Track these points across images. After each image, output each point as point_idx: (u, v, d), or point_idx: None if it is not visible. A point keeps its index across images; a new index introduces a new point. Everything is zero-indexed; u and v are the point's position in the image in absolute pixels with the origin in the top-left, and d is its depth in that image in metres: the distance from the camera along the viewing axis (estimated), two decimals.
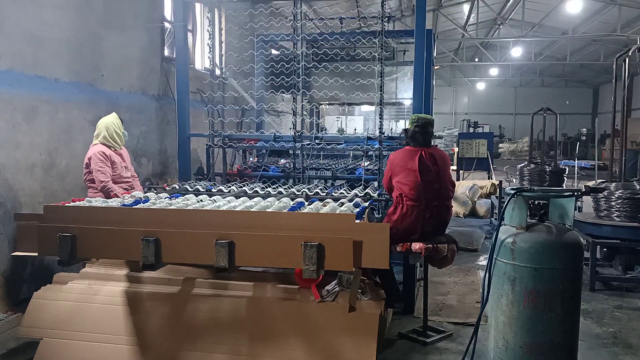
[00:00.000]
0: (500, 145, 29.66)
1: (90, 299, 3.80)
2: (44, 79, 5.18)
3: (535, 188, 3.19)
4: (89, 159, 4.97)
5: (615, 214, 5.77)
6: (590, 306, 5.15)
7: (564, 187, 8.23)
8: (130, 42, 6.70)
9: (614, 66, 5.99)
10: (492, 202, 9.94)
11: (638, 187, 5.69)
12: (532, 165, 8.70)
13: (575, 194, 2.92)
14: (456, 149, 14.20)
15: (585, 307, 5.08)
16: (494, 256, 2.91)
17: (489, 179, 12.49)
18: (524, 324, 2.81)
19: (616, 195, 5.76)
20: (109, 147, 5.07)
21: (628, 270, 5.80)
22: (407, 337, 4.26)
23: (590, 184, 9.71)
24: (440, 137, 22.88)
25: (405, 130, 4.43)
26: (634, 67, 6.02)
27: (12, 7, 4.77)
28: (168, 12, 7.64)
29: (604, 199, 5.89)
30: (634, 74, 10.12)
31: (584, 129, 27.48)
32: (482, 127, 28.96)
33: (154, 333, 3.64)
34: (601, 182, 6.41)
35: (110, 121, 5.11)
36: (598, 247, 5.96)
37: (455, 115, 36.13)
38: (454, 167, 13.77)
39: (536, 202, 2.98)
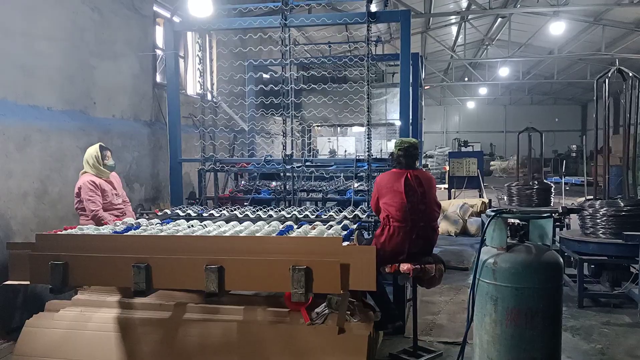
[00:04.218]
0: (492, 162, 29.92)
1: (83, 326, 3.83)
2: (36, 108, 5.26)
3: (514, 210, 3.28)
4: (79, 188, 5.03)
5: (601, 231, 5.86)
6: (579, 323, 5.21)
7: (551, 205, 8.33)
8: (122, 70, 6.81)
9: (595, 87, 6.15)
10: (482, 220, 9.99)
11: (622, 205, 5.79)
12: (519, 184, 8.83)
13: (553, 215, 3.01)
14: (447, 168, 14.39)
15: (574, 324, 5.15)
16: (477, 277, 2.98)
17: (480, 197, 12.62)
18: (506, 342, 2.87)
19: (601, 213, 5.85)
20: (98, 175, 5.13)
21: (615, 287, 5.86)
22: (397, 358, 4.29)
23: (579, 200, 9.82)
24: (431, 157, 23.10)
25: (392, 153, 4.56)
26: (616, 85, 6.14)
27: (4, 39, 4.87)
28: (160, 40, 7.77)
29: (589, 217, 5.98)
30: (618, 91, 10.33)
31: (573, 146, 27.77)
32: (473, 145, 29.23)
33: (146, 359, 3.67)
34: (586, 199, 6.50)
35: (90, 154, 5.13)
36: (585, 264, 6.05)
37: (446, 134, 36.47)
38: (446, 186, 13.93)
39: (517, 223, 3.06)
